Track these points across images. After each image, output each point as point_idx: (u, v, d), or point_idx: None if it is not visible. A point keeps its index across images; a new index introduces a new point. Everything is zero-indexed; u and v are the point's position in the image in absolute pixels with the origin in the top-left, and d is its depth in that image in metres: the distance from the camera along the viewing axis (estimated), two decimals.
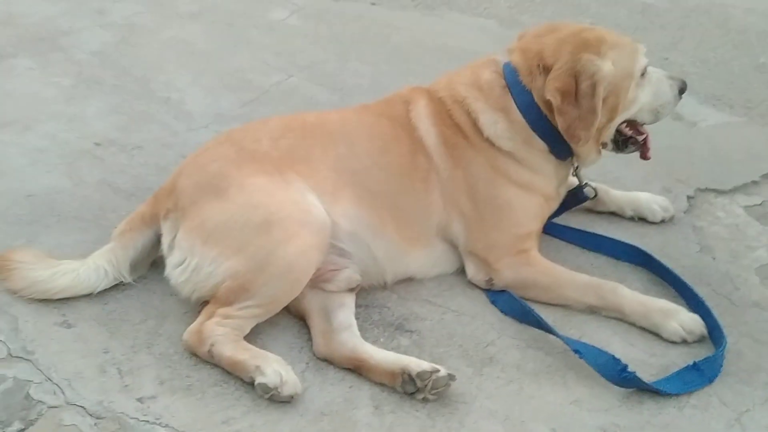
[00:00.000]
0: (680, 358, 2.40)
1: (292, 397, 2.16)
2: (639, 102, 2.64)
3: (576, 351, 2.32)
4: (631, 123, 2.70)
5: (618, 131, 2.69)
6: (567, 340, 2.36)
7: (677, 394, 2.27)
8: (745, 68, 4.43)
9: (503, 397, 2.25)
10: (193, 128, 3.47)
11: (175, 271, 2.36)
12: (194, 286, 2.33)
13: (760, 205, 3.23)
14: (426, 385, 2.18)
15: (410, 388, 2.20)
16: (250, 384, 2.19)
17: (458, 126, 2.61)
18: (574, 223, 2.94)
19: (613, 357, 2.29)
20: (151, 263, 2.55)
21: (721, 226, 3.08)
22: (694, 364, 2.34)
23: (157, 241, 2.47)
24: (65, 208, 2.87)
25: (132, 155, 3.23)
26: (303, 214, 2.35)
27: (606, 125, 2.61)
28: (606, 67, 2.49)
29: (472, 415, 2.19)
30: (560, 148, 2.63)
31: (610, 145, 2.73)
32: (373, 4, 4.99)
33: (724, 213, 3.16)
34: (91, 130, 3.38)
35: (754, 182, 3.38)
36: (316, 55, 4.24)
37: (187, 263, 2.32)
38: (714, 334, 2.46)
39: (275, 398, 2.14)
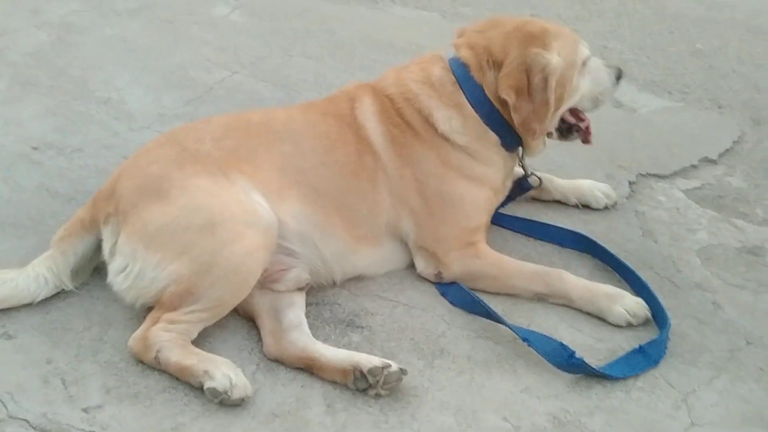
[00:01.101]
0: (626, 342, 2.45)
1: (242, 400, 2.13)
2: (581, 90, 2.70)
3: (525, 339, 2.34)
4: (573, 111, 2.77)
5: (561, 119, 2.75)
6: (515, 329, 2.38)
7: (624, 378, 2.32)
8: (682, 54, 4.53)
9: (455, 388, 2.26)
10: (135, 128, 3.40)
11: (117, 277, 2.30)
12: (138, 293, 2.28)
13: (699, 188, 3.32)
14: (378, 381, 2.18)
15: (362, 384, 2.19)
16: (200, 389, 2.15)
17: (408, 123, 2.61)
18: (519, 213, 2.97)
19: (561, 344, 2.32)
20: (93, 269, 2.49)
21: (662, 210, 3.15)
22: (640, 347, 2.39)
23: (98, 246, 2.41)
24: (2, 215, 2.77)
25: (71, 158, 3.15)
26: (248, 214, 2.31)
27: (553, 115, 2.65)
28: (554, 59, 2.53)
29: (424, 407, 2.20)
30: (511, 140, 2.68)
31: (555, 134, 2.78)
32: None
33: (665, 197, 3.24)
34: (27, 134, 3.28)
35: (693, 166, 3.47)
36: (260, 50, 4.19)
37: (130, 269, 2.27)
38: (658, 316, 2.51)
39: (225, 402, 2.12)
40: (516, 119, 2.56)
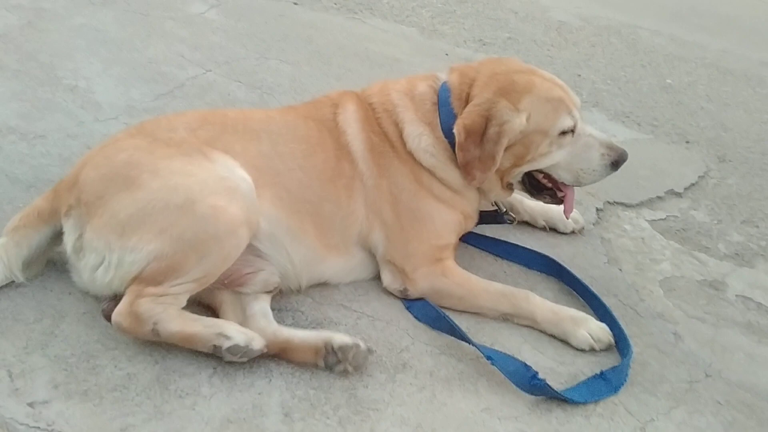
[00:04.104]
0: (588, 367, 2.45)
1: (262, 350, 2.17)
2: (553, 159, 2.58)
3: (488, 358, 2.32)
4: (551, 177, 2.68)
5: (534, 178, 2.70)
6: (479, 347, 2.36)
7: (584, 403, 2.31)
8: (653, 88, 4.62)
9: (415, 405, 2.23)
10: (101, 119, 3.31)
11: (95, 273, 2.19)
12: (121, 281, 2.18)
13: (664, 219, 3.37)
14: (347, 357, 2.22)
15: (332, 360, 2.22)
16: (212, 354, 2.16)
17: (386, 134, 2.58)
18: (488, 232, 2.96)
19: (524, 364, 2.31)
20: (46, 261, 2.39)
21: (627, 239, 3.18)
22: (601, 373, 2.39)
23: (55, 238, 2.31)
24: None
25: (33, 144, 3.04)
26: (228, 189, 2.23)
27: (510, 170, 2.61)
28: (517, 121, 2.47)
29: (384, 422, 2.15)
30: None
31: (519, 187, 2.74)
32: (296, 3, 4.93)
33: (631, 226, 3.27)
34: None
35: (659, 197, 3.52)
36: (235, 51, 4.14)
37: (108, 262, 2.17)
38: (620, 344, 2.52)
39: (248, 355, 2.14)
40: (459, 158, 2.52)
